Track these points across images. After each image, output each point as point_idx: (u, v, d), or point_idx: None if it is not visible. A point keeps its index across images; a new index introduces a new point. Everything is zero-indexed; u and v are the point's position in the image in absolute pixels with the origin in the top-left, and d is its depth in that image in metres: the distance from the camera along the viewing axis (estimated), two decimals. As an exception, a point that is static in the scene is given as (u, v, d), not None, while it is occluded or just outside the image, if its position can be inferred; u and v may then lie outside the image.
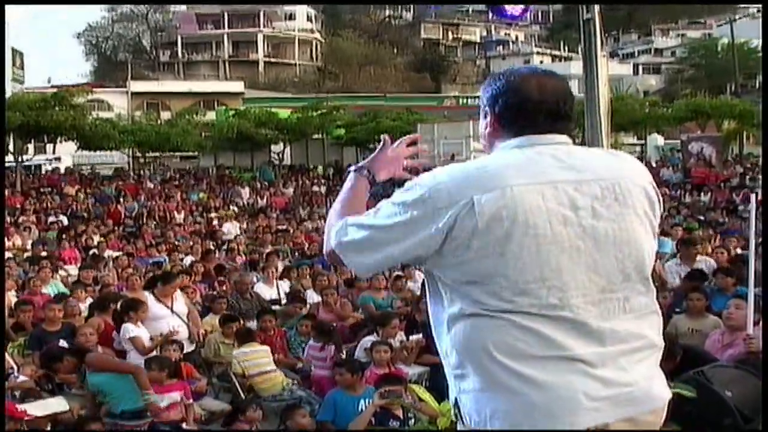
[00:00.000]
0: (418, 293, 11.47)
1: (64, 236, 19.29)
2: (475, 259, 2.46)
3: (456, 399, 2.64)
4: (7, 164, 35.22)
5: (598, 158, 2.69)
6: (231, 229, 22.44)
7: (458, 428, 2.69)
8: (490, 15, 75.39)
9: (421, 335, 9.16)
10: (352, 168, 3.05)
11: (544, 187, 2.49)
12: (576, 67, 53.91)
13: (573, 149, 2.65)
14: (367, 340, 8.88)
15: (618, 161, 2.72)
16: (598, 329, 2.52)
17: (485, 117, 2.77)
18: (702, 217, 21.76)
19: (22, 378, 8.14)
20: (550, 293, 2.47)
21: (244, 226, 22.82)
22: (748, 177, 28.82)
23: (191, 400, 7.96)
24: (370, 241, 2.60)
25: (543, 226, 2.46)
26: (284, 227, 22.38)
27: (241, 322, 10.18)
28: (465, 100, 56.99)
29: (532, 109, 2.64)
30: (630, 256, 2.59)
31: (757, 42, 57.16)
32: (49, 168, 37.24)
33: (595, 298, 2.53)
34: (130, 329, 9.16)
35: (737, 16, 67.07)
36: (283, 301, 12.12)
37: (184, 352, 9.24)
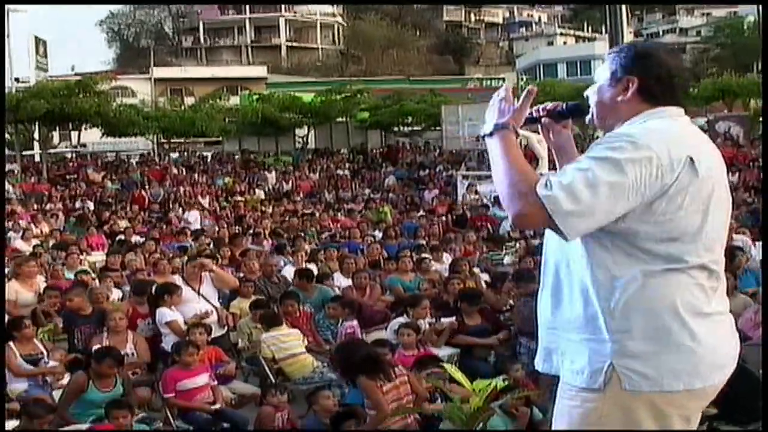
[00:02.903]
0: (446, 275, 11.43)
1: (90, 222, 19.36)
2: (684, 216, 2.64)
3: (604, 365, 2.71)
4: (32, 152, 35.59)
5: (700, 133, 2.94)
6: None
7: (586, 396, 2.76)
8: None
9: (453, 318, 9.14)
10: (495, 126, 2.88)
11: (709, 155, 2.73)
12: (600, 47, 53.57)
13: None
14: (396, 322, 8.84)
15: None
16: (723, 285, 2.83)
17: (612, 85, 2.88)
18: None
19: (52, 363, 8.21)
20: (719, 250, 2.77)
21: (270, 210, 22.79)
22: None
23: (215, 382, 8.01)
24: (586, 202, 2.54)
25: (719, 189, 2.74)
26: (310, 211, 22.37)
27: (269, 305, 10.15)
28: (489, 82, 56.73)
29: (675, 84, 2.86)
30: (727, 221, 2.85)
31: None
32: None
33: (718, 257, 2.78)
34: (167, 314, 9.22)
35: (763, -6, 66.11)
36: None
37: (214, 336, 9.26)
